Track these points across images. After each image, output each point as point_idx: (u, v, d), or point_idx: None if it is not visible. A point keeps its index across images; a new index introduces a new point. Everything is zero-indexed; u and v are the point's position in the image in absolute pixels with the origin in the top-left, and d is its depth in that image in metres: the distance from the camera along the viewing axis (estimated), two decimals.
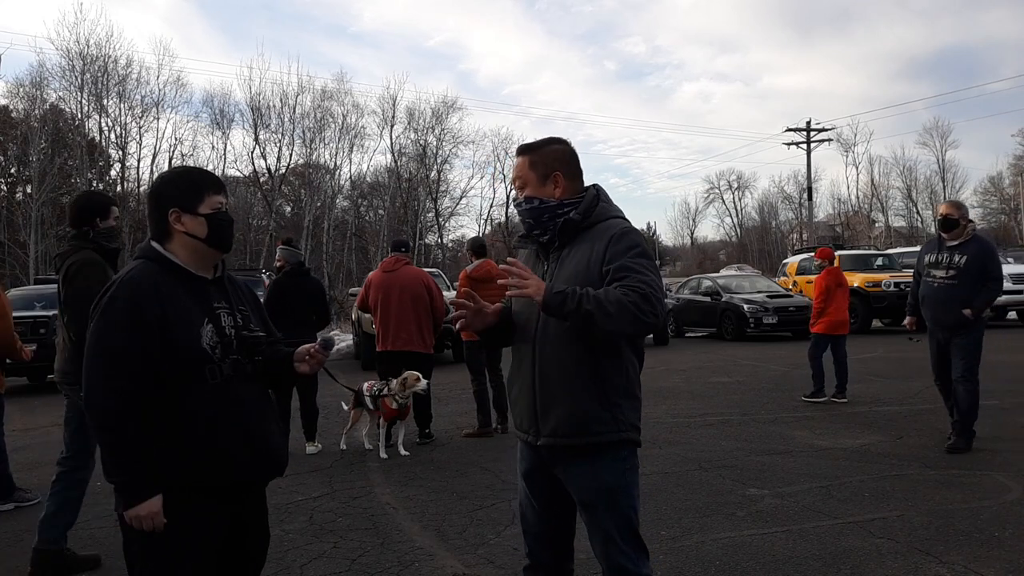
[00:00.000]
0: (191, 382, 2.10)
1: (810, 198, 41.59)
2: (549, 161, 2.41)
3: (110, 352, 2.03)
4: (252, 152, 37.62)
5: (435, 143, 42.99)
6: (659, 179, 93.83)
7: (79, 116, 32.90)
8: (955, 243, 5.89)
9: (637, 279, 2.18)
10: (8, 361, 5.43)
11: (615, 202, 2.45)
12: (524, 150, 2.47)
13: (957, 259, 5.84)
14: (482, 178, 61.30)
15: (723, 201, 70.37)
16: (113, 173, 35.85)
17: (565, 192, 2.40)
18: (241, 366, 2.20)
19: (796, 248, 34.94)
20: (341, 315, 23.55)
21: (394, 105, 40.95)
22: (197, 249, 2.22)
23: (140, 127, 34.85)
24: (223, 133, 37.07)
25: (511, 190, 44.97)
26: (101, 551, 4.29)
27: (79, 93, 32.54)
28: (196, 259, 2.22)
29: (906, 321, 6.59)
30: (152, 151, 35.46)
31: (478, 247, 7.66)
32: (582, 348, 2.27)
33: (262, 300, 4.33)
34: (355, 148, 41.37)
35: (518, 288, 2.16)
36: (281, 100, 37.33)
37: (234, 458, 2.14)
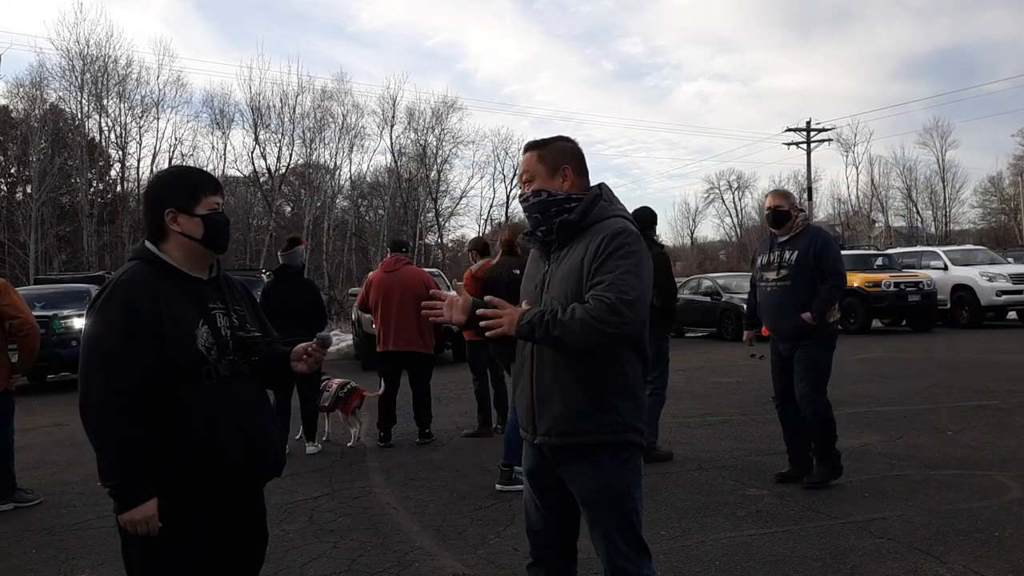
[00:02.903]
0: (187, 384, 2.09)
1: (810, 198, 41.57)
2: (558, 155, 2.41)
3: (105, 354, 2.02)
4: (252, 152, 37.63)
5: (435, 143, 42.98)
6: (658, 179, 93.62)
7: (79, 116, 32.91)
8: (785, 238, 5.09)
9: (608, 286, 2.15)
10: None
11: None
12: (533, 145, 2.46)
13: (788, 256, 5.03)
14: (482, 178, 61.34)
15: (723, 201, 70.26)
16: (113, 173, 35.86)
17: (573, 187, 2.40)
18: (238, 367, 2.19)
19: None
20: (341, 315, 23.56)
21: (394, 105, 40.95)
22: (192, 250, 2.21)
23: (140, 127, 34.86)
24: (223, 133, 37.08)
25: (511, 189, 45.12)
26: (101, 551, 4.30)
27: (79, 93, 32.56)
28: (191, 260, 2.21)
29: (744, 336, 5.82)
30: (152, 151, 35.45)
31: (482, 247, 7.66)
32: None
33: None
34: (355, 148, 41.35)
35: (493, 327, 2.22)
36: (281, 100, 37.33)
37: (232, 459, 2.13)
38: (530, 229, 2.46)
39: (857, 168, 53.47)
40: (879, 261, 18.58)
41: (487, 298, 2.29)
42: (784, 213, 5.11)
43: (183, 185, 2.23)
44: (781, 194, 5.26)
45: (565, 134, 2.52)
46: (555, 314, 2.17)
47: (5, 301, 5.19)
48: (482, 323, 2.23)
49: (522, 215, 2.52)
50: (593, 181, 2.47)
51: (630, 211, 2.51)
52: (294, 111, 37.60)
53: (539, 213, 2.38)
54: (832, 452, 5.06)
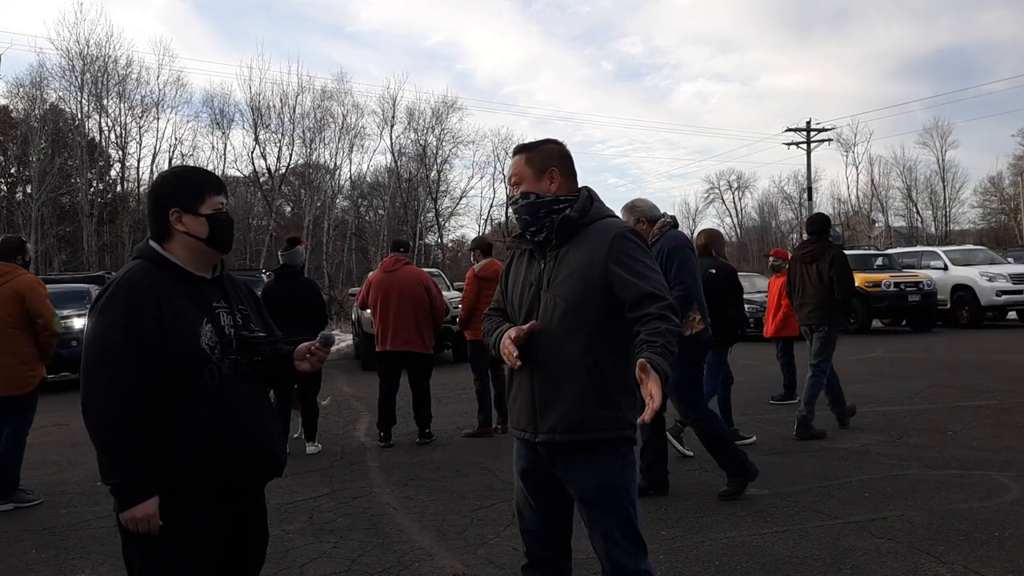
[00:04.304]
0: (189, 383, 2.09)
1: (810, 198, 41.57)
2: (545, 157, 2.45)
3: (108, 354, 2.02)
4: (252, 152, 37.61)
5: (435, 143, 42.99)
6: (658, 179, 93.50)
7: (79, 116, 32.92)
8: None
9: (656, 288, 2.24)
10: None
11: (613, 203, 2.49)
12: (521, 149, 2.50)
13: None
14: (482, 178, 61.21)
15: (723, 201, 70.23)
16: (113, 173, 35.89)
17: (561, 189, 2.42)
18: (240, 366, 2.19)
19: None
20: (341, 315, 23.56)
21: (394, 105, 40.94)
22: (197, 249, 2.21)
23: (140, 127, 34.88)
24: (223, 133, 37.08)
25: (510, 189, 44.98)
26: (101, 551, 4.30)
27: (79, 93, 32.57)
28: (195, 259, 2.21)
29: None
30: (152, 151, 35.47)
31: (485, 246, 7.65)
32: (582, 346, 2.28)
33: None
34: (355, 148, 41.34)
35: (654, 409, 2.02)
36: (281, 100, 37.32)
37: (233, 459, 2.13)
38: (519, 232, 2.48)
39: (857, 168, 53.49)
40: (879, 261, 18.58)
41: (647, 388, 2.03)
42: None
43: (188, 185, 2.22)
44: (625, 210, 4.99)
45: (557, 136, 2.56)
46: (668, 350, 2.11)
47: (28, 303, 5.20)
48: (649, 416, 2.02)
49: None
50: (593, 181, 2.49)
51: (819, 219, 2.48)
52: (294, 111, 37.62)
53: (528, 215, 2.41)
54: (732, 460, 4.81)
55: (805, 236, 7.12)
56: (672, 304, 2.23)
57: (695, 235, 7.04)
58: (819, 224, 7.14)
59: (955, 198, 51.20)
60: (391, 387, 7.08)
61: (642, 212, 5.01)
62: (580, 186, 2.48)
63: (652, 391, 2.01)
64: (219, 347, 2.15)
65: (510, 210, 2.64)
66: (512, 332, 2.31)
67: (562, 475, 2.37)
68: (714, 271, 6.27)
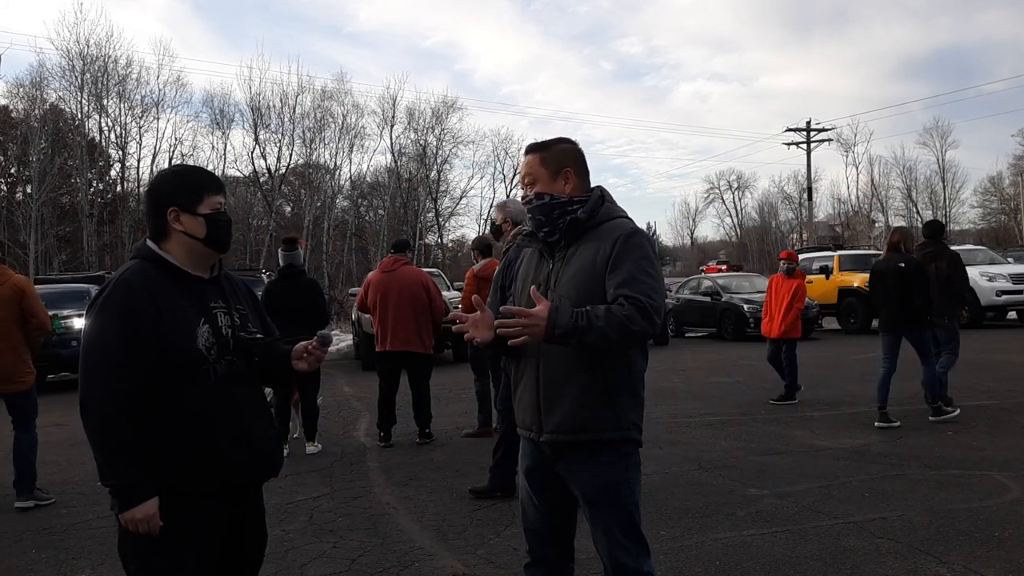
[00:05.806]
0: (187, 383, 2.08)
1: (810, 198, 41.60)
2: (560, 158, 2.43)
3: (105, 355, 2.02)
4: (252, 152, 37.60)
5: (435, 143, 42.99)
6: (658, 179, 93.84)
7: (79, 116, 32.91)
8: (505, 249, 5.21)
9: (637, 289, 2.20)
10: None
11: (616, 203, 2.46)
12: (535, 148, 2.47)
13: None
14: (482, 178, 61.28)
15: (723, 201, 70.38)
16: (113, 173, 35.88)
17: (575, 189, 2.42)
18: (235, 367, 2.18)
19: (796, 248, 34.93)
20: (341, 315, 23.56)
21: (394, 105, 40.94)
22: (194, 249, 2.20)
23: (140, 127, 34.87)
24: (223, 133, 37.05)
25: (511, 189, 45.12)
26: (101, 551, 4.29)
27: (79, 93, 32.56)
28: (193, 259, 2.21)
29: None
30: (152, 151, 35.45)
31: (485, 247, 7.64)
32: None
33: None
34: (355, 148, 41.33)
35: (522, 334, 2.10)
36: (281, 100, 37.30)
37: (231, 459, 2.13)
38: (531, 230, 2.48)
39: (857, 168, 53.55)
40: None
41: (503, 308, 2.18)
42: (496, 228, 5.53)
43: (187, 184, 2.22)
44: (497, 207, 5.60)
45: (565, 135, 2.53)
46: (588, 319, 2.12)
47: (27, 301, 5.33)
48: (500, 331, 2.14)
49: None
50: (593, 181, 2.48)
51: None
52: (294, 111, 37.61)
53: (543, 216, 2.40)
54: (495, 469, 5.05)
55: (922, 239, 7.85)
56: (645, 307, 2.16)
57: (890, 232, 7.87)
58: (934, 229, 7.97)
59: (955, 198, 51.29)
60: (391, 387, 7.08)
61: (510, 213, 5.40)
62: (593, 185, 2.47)
63: (528, 312, 2.11)
64: (215, 348, 2.15)
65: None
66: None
67: (565, 474, 2.37)
68: (903, 264, 7.03)
